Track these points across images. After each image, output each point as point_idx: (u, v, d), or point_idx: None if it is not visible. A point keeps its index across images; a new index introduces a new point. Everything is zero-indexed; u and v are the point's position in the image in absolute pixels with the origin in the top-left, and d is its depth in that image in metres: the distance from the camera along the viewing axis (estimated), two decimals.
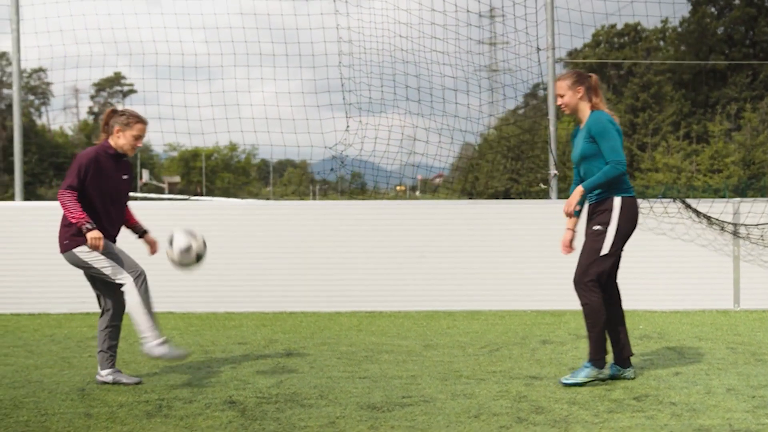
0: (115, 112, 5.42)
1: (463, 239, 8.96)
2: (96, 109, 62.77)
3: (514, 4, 9.53)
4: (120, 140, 5.35)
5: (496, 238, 8.95)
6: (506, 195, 44.14)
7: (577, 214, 5.49)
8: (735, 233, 8.84)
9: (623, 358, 5.40)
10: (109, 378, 5.28)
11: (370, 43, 9.17)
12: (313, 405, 4.72)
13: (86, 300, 8.77)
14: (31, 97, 62.65)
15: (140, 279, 5.20)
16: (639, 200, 7.31)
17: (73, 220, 5.13)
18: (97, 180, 5.24)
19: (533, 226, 8.93)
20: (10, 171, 54.10)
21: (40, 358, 6.25)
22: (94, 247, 5.11)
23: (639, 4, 12.03)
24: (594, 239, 5.19)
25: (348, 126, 8.97)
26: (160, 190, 56.72)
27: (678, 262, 8.88)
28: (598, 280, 5.18)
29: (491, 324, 7.98)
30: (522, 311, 8.80)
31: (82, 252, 5.23)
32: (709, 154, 37.83)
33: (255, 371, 5.73)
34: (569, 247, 5.51)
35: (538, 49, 8.93)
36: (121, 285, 5.22)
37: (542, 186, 9.16)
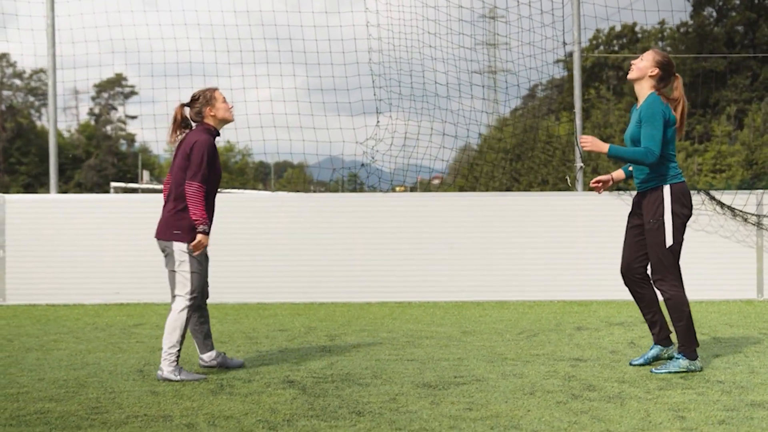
0: (184, 105, 5.30)
1: (491, 230, 9.10)
2: (96, 111, 62.62)
3: (530, 2, 9.68)
4: (218, 114, 5.27)
5: (524, 229, 9.09)
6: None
7: (626, 171, 5.50)
8: (758, 224, 8.99)
9: (663, 337, 5.49)
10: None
11: (399, 39, 9.30)
12: (369, 384, 4.85)
13: (120, 291, 8.91)
14: (31, 99, 62.58)
15: (191, 307, 5.10)
16: None
17: (194, 216, 5.01)
18: (213, 166, 5.16)
19: (560, 218, 9.08)
20: (12, 172, 54.01)
21: (89, 343, 6.38)
22: (196, 249, 5.02)
23: (639, 3, 12.17)
24: (654, 234, 5.14)
25: (378, 121, 9.11)
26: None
27: (701, 252, 9.00)
28: (676, 271, 5.15)
29: (521, 313, 8.12)
30: (549, 301, 8.94)
31: (182, 249, 5.06)
32: (712, 155, 37.98)
33: (303, 354, 5.86)
34: (599, 183, 5.46)
35: (564, 44, 9.08)
36: (174, 298, 5.12)
37: (568, 181, 9.25)
